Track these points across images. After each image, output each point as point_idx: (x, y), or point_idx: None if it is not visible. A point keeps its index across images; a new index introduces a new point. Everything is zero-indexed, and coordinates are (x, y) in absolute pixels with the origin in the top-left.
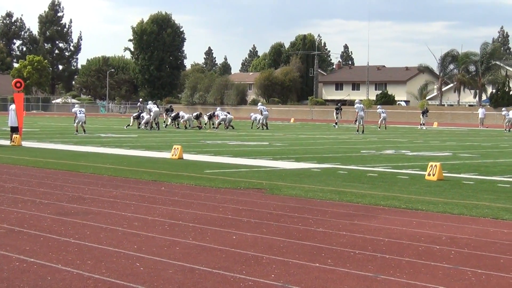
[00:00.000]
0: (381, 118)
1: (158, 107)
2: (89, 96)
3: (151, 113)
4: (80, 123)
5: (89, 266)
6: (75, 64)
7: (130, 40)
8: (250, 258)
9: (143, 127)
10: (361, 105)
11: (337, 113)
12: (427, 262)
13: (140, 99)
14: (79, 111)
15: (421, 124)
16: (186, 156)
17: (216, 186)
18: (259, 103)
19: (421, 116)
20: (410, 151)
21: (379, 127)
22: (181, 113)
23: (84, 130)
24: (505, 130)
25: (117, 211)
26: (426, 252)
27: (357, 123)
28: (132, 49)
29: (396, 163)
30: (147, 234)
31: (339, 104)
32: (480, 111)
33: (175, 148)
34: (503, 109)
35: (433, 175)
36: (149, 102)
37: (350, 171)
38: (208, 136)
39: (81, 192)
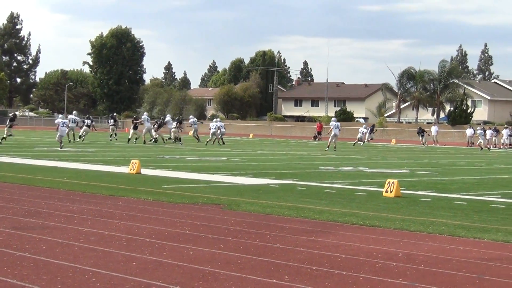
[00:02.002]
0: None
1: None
2: (47, 110)
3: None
4: (61, 136)
5: (45, 281)
6: (33, 77)
7: (89, 54)
8: (207, 274)
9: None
10: (337, 123)
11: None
12: (384, 279)
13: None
14: (62, 123)
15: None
16: (144, 171)
17: (174, 201)
18: (218, 119)
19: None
20: (368, 168)
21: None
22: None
23: (61, 144)
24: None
25: (73, 226)
26: (383, 269)
27: (329, 140)
28: (91, 63)
29: (354, 180)
30: (103, 249)
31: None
32: (433, 129)
33: (133, 163)
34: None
35: (391, 192)
36: (145, 114)
37: (309, 187)
38: (166, 151)
39: (37, 206)
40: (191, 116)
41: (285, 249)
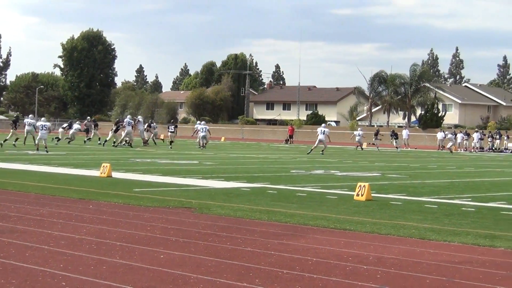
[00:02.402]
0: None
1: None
2: (18, 113)
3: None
4: (41, 140)
5: (14, 285)
6: (3, 80)
7: (60, 57)
8: (178, 278)
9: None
10: (325, 129)
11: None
12: (354, 282)
13: (88, 117)
14: (42, 126)
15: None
16: (115, 174)
17: (145, 204)
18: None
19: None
20: (339, 171)
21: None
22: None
23: (37, 148)
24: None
25: (43, 230)
26: (353, 272)
27: (315, 144)
28: (62, 66)
29: (325, 183)
30: (73, 253)
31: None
32: (404, 132)
33: (103, 166)
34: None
35: (362, 195)
36: (128, 116)
37: (280, 190)
38: (138, 154)
39: (7, 210)
40: (151, 120)
41: (256, 253)
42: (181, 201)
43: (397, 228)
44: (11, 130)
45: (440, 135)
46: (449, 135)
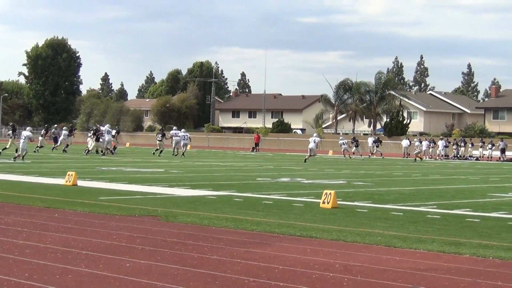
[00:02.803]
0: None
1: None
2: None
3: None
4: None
5: None
6: None
7: (24, 65)
8: (144, 286)
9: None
10: (316, 138)
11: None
12: None
13: (55, 125)
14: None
15: (349, 154)
16: (81, 183)
17: (111, 213)
18: (182, 130)
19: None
20: (306, 179)
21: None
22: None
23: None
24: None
25: (8, 239)
26: (319, 280)
27: (308, 152)
28: (27, 74)
29: (292, 191)
30: (38, 261)
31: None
32: (369, 140)
33: (69, 175)
34: (416, 139)
35: (328, 203)
36: (106, 125)
37: (246, 198)
38: (103, 162)
39: None
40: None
41: (222, 261)
42: (147, 209)
43: (363, 235)
44: (10, 139)
45: (405, 142)
46: (416, 143)
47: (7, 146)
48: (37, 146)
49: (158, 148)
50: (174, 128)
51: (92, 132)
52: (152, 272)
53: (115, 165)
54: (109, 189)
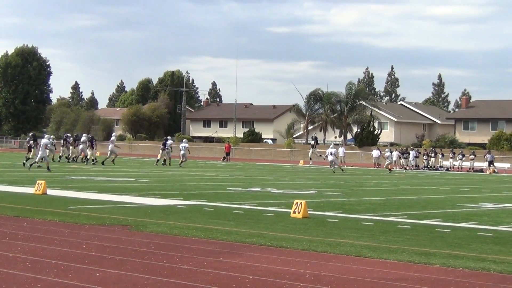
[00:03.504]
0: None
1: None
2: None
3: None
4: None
5: None
6: None
7: None
8: None
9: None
10: (332, 150)
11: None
12: None
13: (30, 134)
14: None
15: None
16: (50, 192)
17: (80, 222)
18: (185, 140)
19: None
20: (276, 188)
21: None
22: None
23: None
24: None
25: None
26: None
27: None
28: None
29: (262, 201)
30: (7, 271)
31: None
32: (340, 150)
33: (39, 183)
34: (387, 149)
35: (298, 212)
36: (113, 134)
37: (216, 208)
38: (73, 171)
39: None
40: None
41: (193, 271)
42: (117, 218)
43: (333, 245)
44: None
45: (375, 153)
46: (387, 153)
47: (30, 156)
48: (60, 156)
49: (160, 158)
50: (169, 138)
51: (72, 139)
52: (122, 282)
53: (85, 174)
54: (79, 198)
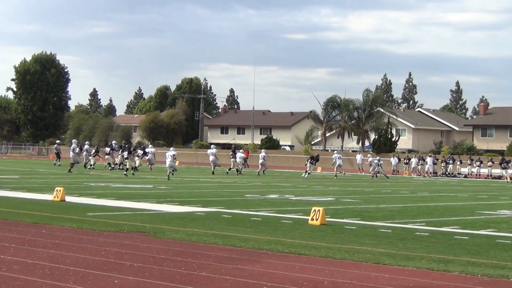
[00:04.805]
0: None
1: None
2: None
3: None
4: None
5: None
6: None
7: (12, 80)
8: None
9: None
10: (339, 155)
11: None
12: None
13: (58, 141)
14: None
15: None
16: (69, 198)
17: (99, 229)
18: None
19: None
20: (294, 195)
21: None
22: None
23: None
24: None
25: None
26: None
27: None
28: (15, 89)
29: (280, 208)
30: (26, 278)
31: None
32: (358, 157)
33: (57, 190)
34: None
35: (316, 219)
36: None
37: (234, 215)
38: (91, 178)
39: None
40: (87, 142)
41: (211, 277)
42: (135, 225)
43: (351, 252)
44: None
45: (394, 160)
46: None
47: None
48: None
49: (233, 167)
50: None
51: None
52: None
53: (103, 181)
54: (97, 205)
